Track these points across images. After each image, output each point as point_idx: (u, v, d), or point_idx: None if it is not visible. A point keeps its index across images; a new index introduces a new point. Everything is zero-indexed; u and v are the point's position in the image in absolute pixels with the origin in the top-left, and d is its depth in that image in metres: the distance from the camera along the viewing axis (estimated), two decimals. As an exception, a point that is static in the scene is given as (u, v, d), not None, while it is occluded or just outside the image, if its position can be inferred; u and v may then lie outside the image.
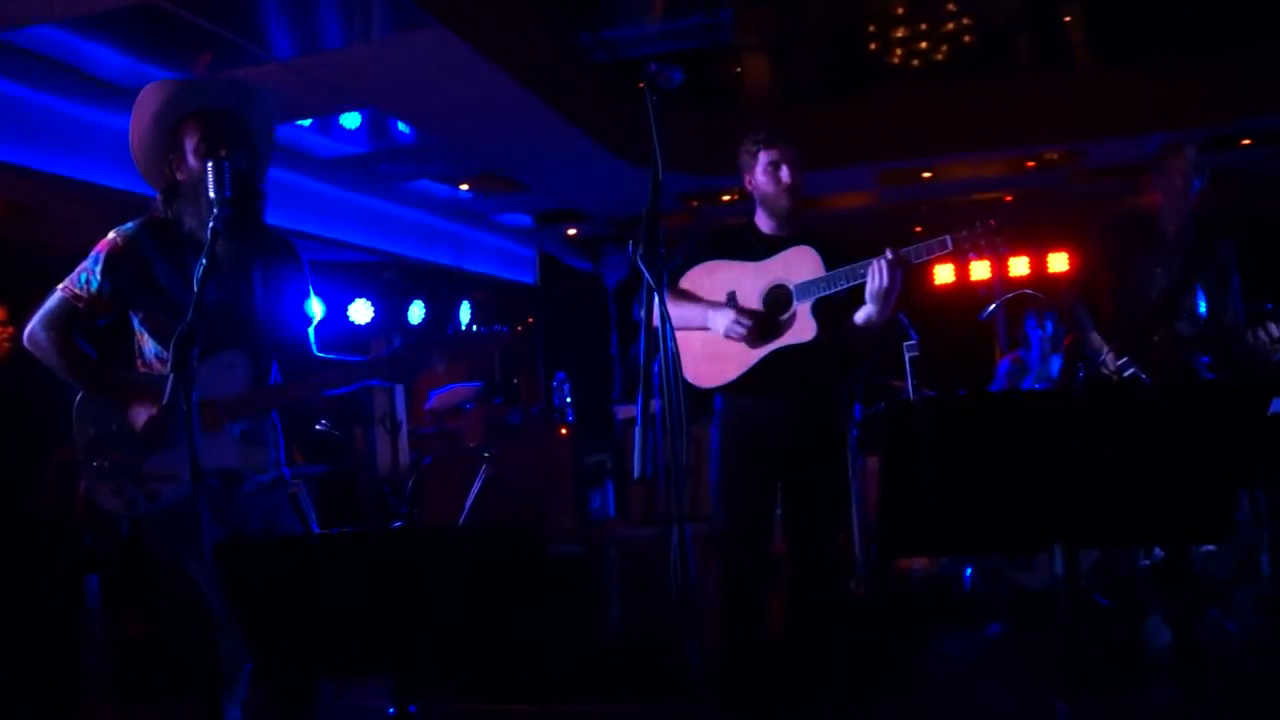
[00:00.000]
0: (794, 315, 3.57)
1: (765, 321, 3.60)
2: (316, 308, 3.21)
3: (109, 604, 5.22)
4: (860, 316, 3.52)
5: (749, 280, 3.67)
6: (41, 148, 5.57)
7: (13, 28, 4.75)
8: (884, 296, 3.39)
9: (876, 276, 3.36)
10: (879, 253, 3.40)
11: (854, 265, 3.44)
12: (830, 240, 3.68)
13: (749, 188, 3.79)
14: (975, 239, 3.39)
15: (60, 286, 2.96)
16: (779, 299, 3.61)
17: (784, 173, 3.68)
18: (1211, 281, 4.34)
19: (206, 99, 3.00)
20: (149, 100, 2.97)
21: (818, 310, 3.54)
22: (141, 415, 2.87)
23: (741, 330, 3.56)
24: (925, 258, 3.41)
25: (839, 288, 3.48)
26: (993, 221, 3.40)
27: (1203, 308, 4.36)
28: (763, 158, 3.72)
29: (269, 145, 3.15)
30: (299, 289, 3.15)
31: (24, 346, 2.99)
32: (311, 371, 3.13)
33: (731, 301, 3.66)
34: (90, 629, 5.09)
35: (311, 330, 3.19)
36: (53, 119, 5.62)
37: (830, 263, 3.52)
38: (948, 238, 3.40)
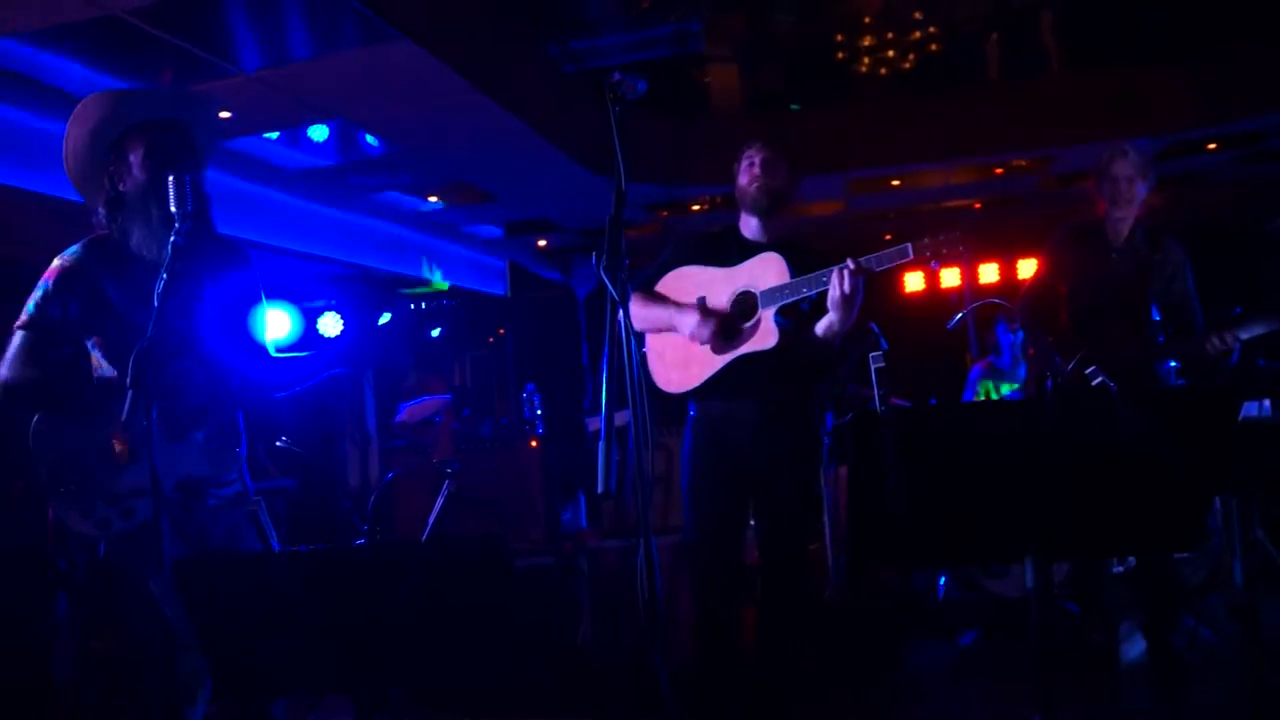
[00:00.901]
0: (758, 322, 3.56)
1: (730, 324, 3.59)
2: (280, 314, 3.18)
3: (75, 621, 5.17)
4: (822, 326, 3.51)
5: (719, 286, 3.66)
6: (2, 161, 5.51)
7: (-27, 41, 4.71)
8: (845, 305, 3.37)
9: (837, 285, 3.35)
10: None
11: (816, 273, 3.42)
12: (806, 248, 3.66)
13: (736, 192, 3.79)
14: (937, 246, 3.39)
15: (16, 326, 2.91)
16: (746, 305, 3.60)
17: (756, 164, 3.69)
18: (1165, 284, 4.34)
19: (151, 110, 2.96)
20: (88, 112, 2.92)
21: (781, 317, 3.53)
22: (117, 438, 2.82)
23: (705, 332, 3.56)
24: (886, 266, 3.39)
25: (801, 295, 3.47)
26: (956, 230, 3.39)
27: (1156, 313, 4.36)
28: (745, 154, 3.75)
29: (209, 154, 3.11)
30: (251, 292, 3.12)
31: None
32: (269, 371, 3.10)
33: (700, 306, 3.65)
34: (56, 646, 5.03)
35: (266, 327, 3.15)
36: (13, 132, 5.57)
37: (798, 271, 3.51)
38: (908, 246, 3.39)
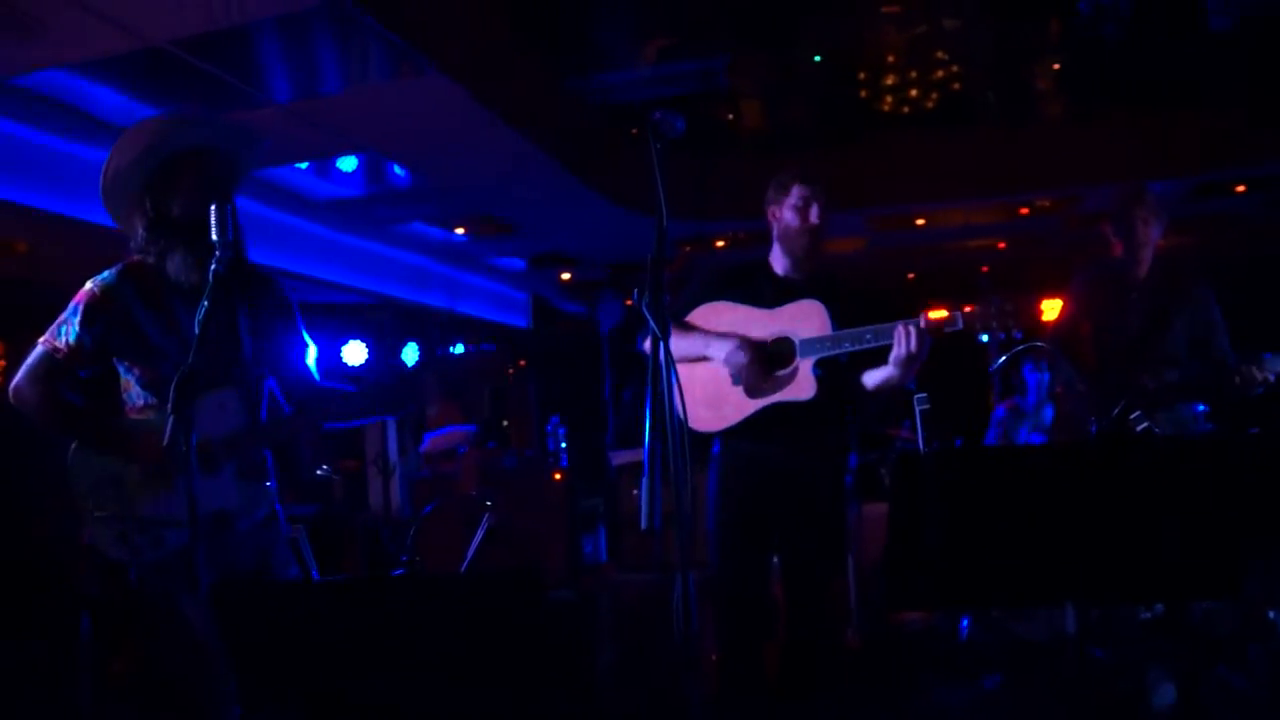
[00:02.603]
0: (795, 371, 3.53)
1: (765, 357, 3.58)
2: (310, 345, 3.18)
3: (99, 642, 5.17)
4: (877, 379, 3.49)
5: (756, 328, 3.63)
6: (44, 187, 5.59)
7: (24, 72, 4.78)
8: (910, 364, 3.33)
9: (905, 342, 3.29)
10: (885, 304, 3.38)
11: (859, 330, 3.38)
12: (842, 288, 3.65)
13: (771, 221, 3.75)
14: (987, 317, 3.37)
15: (41, 340, 2.93)
16: (783, 351, 3.59)
17: (813, 212, 3.64)
18: (1189, 320, 4.31)
19: (201, 138, 2.98)
20: (137, 136, 2.94)
21: (818, 369, 3.51)
22: (147, 455, 2.82)
23: (741, 358, 3.53)
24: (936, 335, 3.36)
25: (842, 350, 3.44)
26: (1007, 304, 3.36)
27: (1183, 350, 4.32)
28: (795, 192, 3.67)
29: (243, 180, 3.14)
30: (287, 322, 3.13)
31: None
32: (315, 401, 3.09)
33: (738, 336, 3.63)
34: (80, 666, 5.03)
35: (311, 360, 3.15)
36: (56, 159, 5.64)
37: (839, 321, 3.48)
38: (959, 315, 3.35)
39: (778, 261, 3.76)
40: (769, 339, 3.61)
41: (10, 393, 2.93)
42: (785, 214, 3.70)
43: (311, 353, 3.18)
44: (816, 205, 3.65)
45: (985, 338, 3.45)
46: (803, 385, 3.51)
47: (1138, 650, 4.49)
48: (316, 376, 3.16)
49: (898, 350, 3.31)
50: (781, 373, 3.56)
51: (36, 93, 5.02)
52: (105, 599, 4.88)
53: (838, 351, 3.45)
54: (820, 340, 3.47)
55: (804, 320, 3.55)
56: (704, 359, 3.65)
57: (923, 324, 3.30)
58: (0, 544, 4.91)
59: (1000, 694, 5.11)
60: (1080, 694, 2.74)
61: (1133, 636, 4.57)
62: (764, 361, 3.58)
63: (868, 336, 3.37)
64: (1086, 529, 2.32)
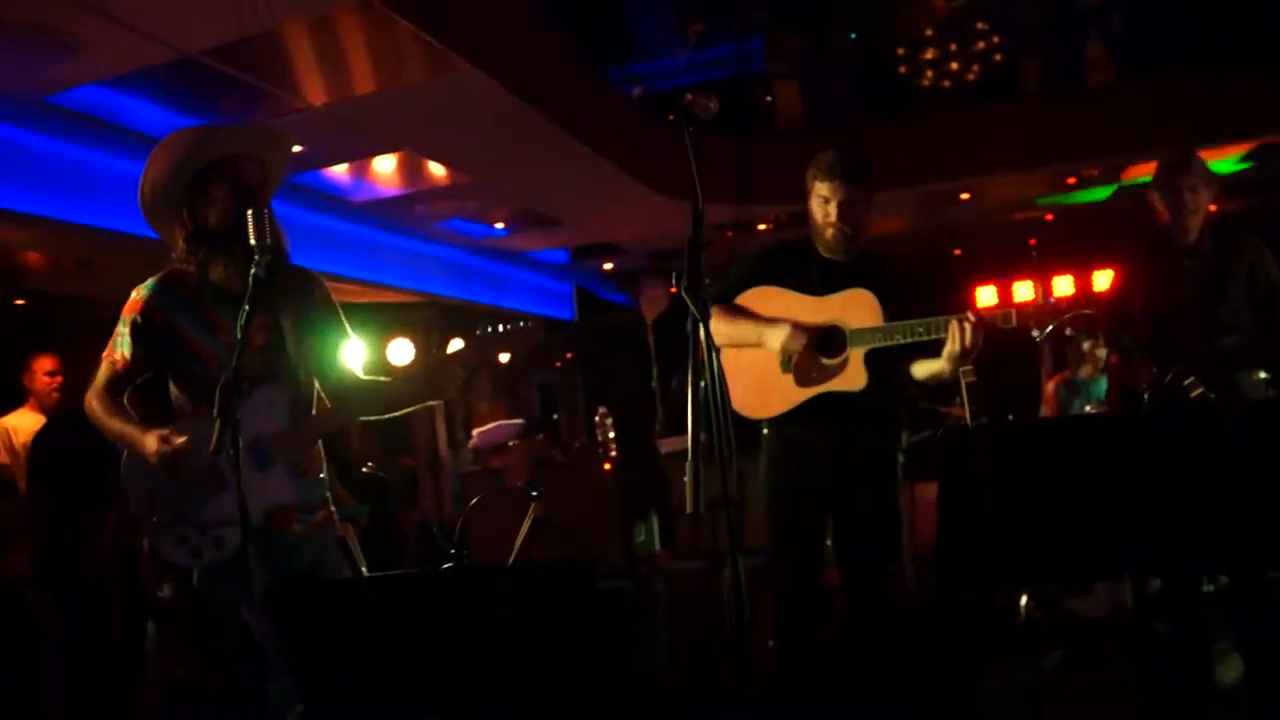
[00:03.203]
0: (846, 361, 3.52)
1: (820, 340, 3.55)
2: (353, 340, 3.20)
3: (164, 647, 5.26)
4: (928, 371, 3.50)
5: (805, 315, 3.60)
6: (87, 202, 5.67)
7: (61, 90, 4.86)
8: (963, 358, 3.32)
9: (959, 338, 3.28)
10: (931, 285, 3.36)
11: (913, 322, 3.38)
12: (886, 274, 3.63)
13: (809, 221, 3.74)
14: (1041, 314, 3.34)
15: (104, 355, 3.00)
16: (833, 340, 3.56)
17: (831, 209, 3.61)
18: (1246, 282, 4.20)
19: (234, 145, 3.00)
20: (173, 146, 2.96)
21: (870, 359, 3.49)
22: (160, 447, 2.83)
23: (798, 343, 3.52)
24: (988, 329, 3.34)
25: (895, 342, 3.43)
26: (1056, 300, 3.34)
27: (1244, 313, 4.22)
28: (816, 189, 3.66)
29: (277, 185, 3.16)
30: (329, 319, 3.14)
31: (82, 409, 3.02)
32: (356, 393, 3.11)
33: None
34: (147, 672, 5.11)
35: (347, 353, 3.16)
36: (97, 174, 5.73)
37: (889, 311, 3.47)
38: (1012, 312, 3.34)
39: (820, 243, 3.73)
40: (819, 327, 3.59)
41: (85, 408, 3.00)
42: (812, 208, 3.69)
43: (354, 348, 3.19)
44: (836, 203, 3.60)
45: (1037, 334, 3.43)
46: (854, 375, 3.50)
47: (1202, 623, 4.40)
48: (358, 371, 3.17)
49: (951, 346, 3.31)
50: (831, 362, 3.54)
51: (74, 109, 5.09)
52: (169, 604, 4.95)
53: (889, 344, 3.45)
54: (872, 331, 3.47)
55: (854, 310, 3.53)
56: (757, 345, 3.63)
57: (975, 319, 3.28)
58: (69, 551, 4.99)
59: (1061, 672, 5.04)
60: (1144, 670, 2.68)
61: (1197, 609, 4.48)
62: (814, 348, 3.55)
63: (920, 329, 3.37)
64: (1142, 500, 2.28)
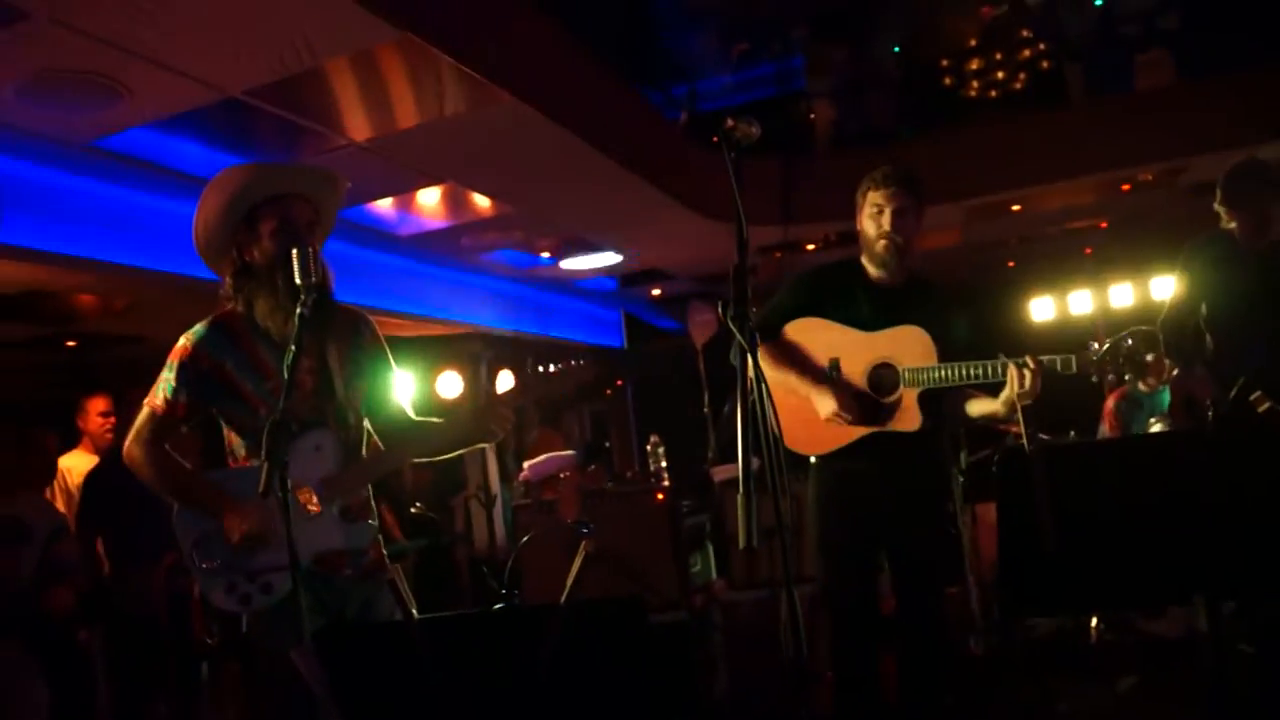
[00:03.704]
0: (899, 401, 3.47)
1: (869, 403, 3.50)
2: (405, 378, 3.18)
3: (216, 692, 5.27)
4: (982, 411, 3.47)
5: (856, 352, 3.55)
6: (135, 244, 5.74)
7: (108, 134, 4.93)
8: (1020, 402, 3.28)
9: (1018, 383, 3.24)
10: (985, 306, 3.28)
11: (969, 364, 3.34)
12: (939, 303, 3.59)
13: (858, 227, 3.68)
14: (1101, 362, 3.26)
15: (145, 400, 2.97)
16: (885, 379, 3.50)
17: (885, 218, 3.55)
18: None
19: (284, 184, 2.99)
20: (225, 183, 2.95)
21: (924, 399, 3.44)
22: (235, 529, 2.84)
23: (843, 424, 3.47)
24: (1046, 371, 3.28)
25: (949, 385, 3.39)
26: (1129, 340, 3.24)
27: None
28: (869, 199, 3.61)
29: (330, 225, 3.15)
30: (377, 358, 3.12)
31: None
32: (406, 435, 3.08)
33: (834, 370, 3.54)
34: (198, 716, 5.12)
35: (397, 395, 3.14)
36: (144, 216, 5.80)
37: (944, 349, 3.43)
38: (1073, 359, 3.27)
39: (871, 261, 3.66)
40: (869, 365, 3.54)
41: (124, 455, 2.98)
42: (864, 223, 3.63)
43: (403, 387, 3.17)
44: (890, 212, 3.55)
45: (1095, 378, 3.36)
46: (909, 417, 3.47)
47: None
48: (409, 411, 3.14)
49: (1009, 392, 3.28)
50: (885, 401, 3.47)
51: (121, 152, 5.16)
52: (220, 649, 4.96)
53: (944, 385, 3.41)
54: (927, 371, 3.42)
55: (907, 347, 3.48)
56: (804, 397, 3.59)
57: (1035, 366, 3.23)
58: (119, 592, 5.02)
59: (1136, 696, 4.89)
60: (1222, 694, 2.58)
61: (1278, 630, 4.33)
62: (864, 396, 3.51)
63: (976, 372, 3.34)
64: (1210, 518, 2.21)
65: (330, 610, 2.93)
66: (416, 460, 3.23)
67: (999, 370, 3.28)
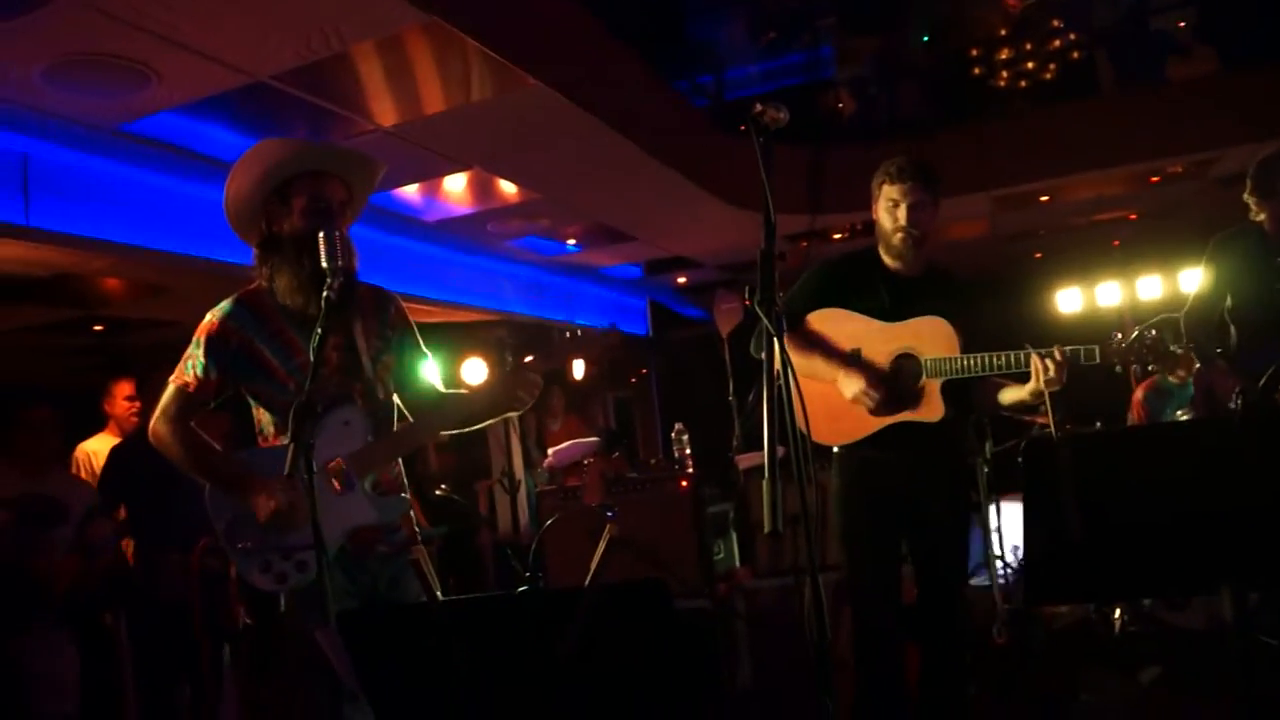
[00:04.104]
0: (923, 390, 3.46)
1: (893, 389, 3.49)
2: (431, 362, 3.20)
3: (244, 672, 5.30)
4: (1013, 399, 3.47)
5: (877, 341, 3.55)
6: (163, 228, 5.77)
7: (136, 118, 4.95)
8: (1046, 390, 3.28)
9: (1043, 374, 3.24)
10: (1008, 297, 3.27)
11: (992, 354, 3.34)
12: (960, 292, 3.60)
13: (874, 218, 3.68)
14: (1125, 353, 3.24)
15: (171, 379, 2.98)
16: (907, 369, 3.49)
17: (901, 212, 3.55)
18: None
19: (322, 162, 3.00)
20: (263, 155, 2.97)
21: (947, 389, 3.44)
22: (262, 507, 2.84)
23: (871, 402, 3.47)
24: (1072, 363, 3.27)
25: (972, 374, 3.38)
26: (1153, 331, 3.22)
27: None
28: (884, 192, 3.60)
29: (361, 208, 3.16)
30: (405, 334, 3.14)
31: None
32: (435, 407, 3.09)
33: (857, 359, 3.54)
34: (225, 698, 5.15)
35: (425, 370, 3.16)
36: (171, 199, 5.82)
37: (964, 331, 3.43)
38: (1096, 349, 3.26)
39: (888, 253, 3.65)
40: (892, 354, 3.54)
41: (149, 434, 2.99)
42: (880, 214, 3.63)
43: (431, 366, 3.18)
44: (906, 206, 3.55)
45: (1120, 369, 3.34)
46: (932, 406, 3.47)
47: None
48: (440, 386, 3.15)
49: (1035, 384, 3.28)
50: (910, 388, 3.46)
51: (149, 136, 5.18)
52: (256, 629, 4.98)
53: (967, 375, 3.41)
54: (950, 362, 3.42)
55: (929, 337, 3.48)
56: (831, 382, 3.58)
57: (1060, 358, 3.23)
58: (143, 574, 5.04)
59: (1159, 687, 4.86)
60: (1247, 686, 2.56)
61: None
62: (889, 381, 3.50)
63: (999, 362, 3.33)
64: (1236, 508, 2.20)
65: (364, 590, 2.96)
66: (446, 432, 3.23)
67: (1022, 360, 3.28)
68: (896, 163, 3.60)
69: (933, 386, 3.45)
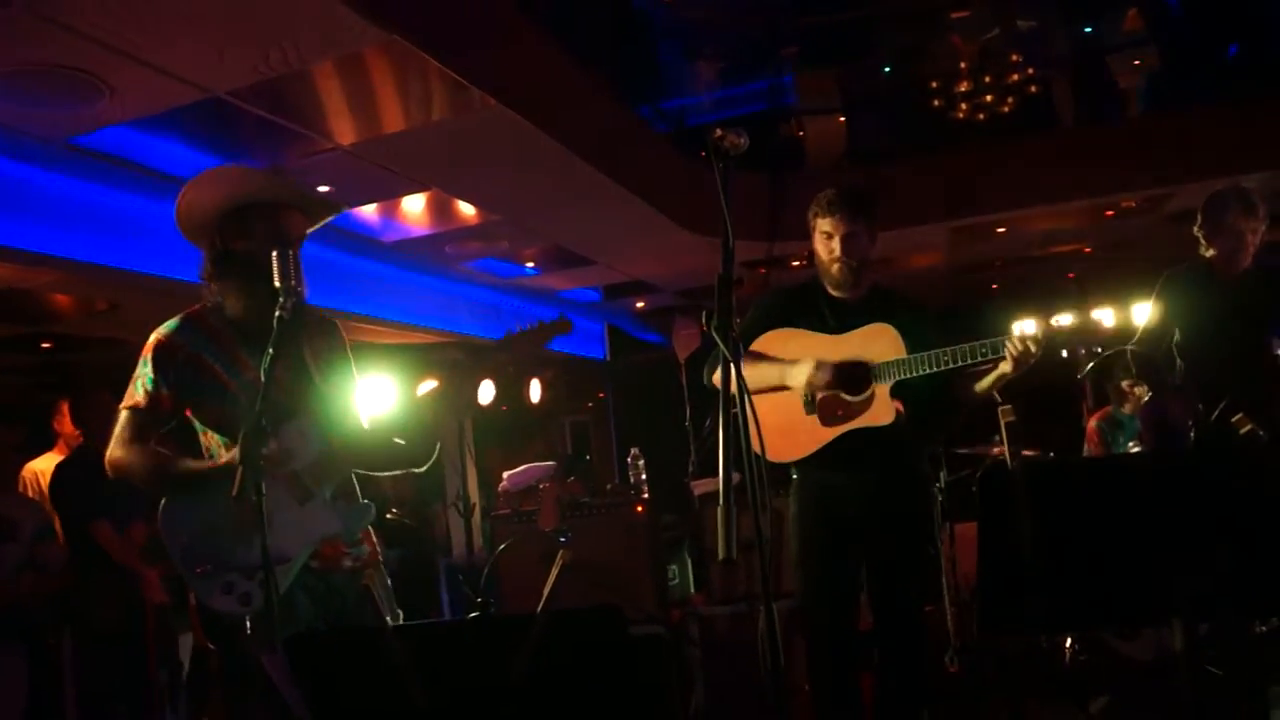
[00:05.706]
0: (872, 396, 3.47)
1: (843, 378, 3.49)
2: (379, 385, 3.19)
3: (191, 697, 5.22)
4: (989, 382, 3.50)
5: (826, 353, 3.57)
6: (113, 244, 5.67)
7: (87, 131, 4.86)
8: (1022, 364, 3.33)
9: (1013, 349, 3.29)
10: (951, 316, 3.30)
11: (940, 351, 3.36)
12: (900, 308, 3.62)
13: (813, 249, 3.72)
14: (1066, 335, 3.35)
15: (121, 405, 2.94)
16: (857, 375, 3.49)
17: (835, 244, 3.61)
18: None
19: (284, 195, 3.02)
20: (221, 181, 2.98)
21: (897, 392, 3.44)
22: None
23: (823, 377, 3.48)
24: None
25: (923, 372, 3.39)
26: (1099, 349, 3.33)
27: None
28: (818, 225, 3.66)
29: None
30: (344, 367, 3.15)
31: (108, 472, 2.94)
32: (358, 446, 3.06)
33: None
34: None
35: (355, 404, 3.13)
36: (122, 215, 5.73)
37: (911, 341, 3.44)
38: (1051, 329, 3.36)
39: (828, 281, 3.69)
40: (842, 363, 3.54)
41: (107, 465, 2.93)
42: (816, 247, 3.69)
43: (360, 398, 3.16)
44: (838, 238, 3.59)
45: (1066, 354, 3.36)
46: (882, 410, 3.46)
47: (1257, 665, 4.25)
48: (363, 422, 3.13)
49: (1013, 368, 3.33)
50: (857, 398, 3.48)
51: (101, 150, 5.09)
52: (222, 655, 4.91)
53: (915, 374, 3.40)
54: (899, 363, 3.43)
55: (876, 344, 3.50)
56: (781, 388, 3.57)
57: (1036, 332, 3.30)
58: (85, 598, 4.95)
59: (1108, 717, 4.89)
60: (1196, 715, 2.57)
61: (1248, 652, 4.33)
62: (839, 385, 3.49)
63: (946, 358, 3.34)
64: (1189, 540, 2.21)
65: (330, 608, 2.93)
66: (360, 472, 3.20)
67: (972, 353, 3.32)
68: (827, 195, 3.64)
69: (882, 391, 3.46)
